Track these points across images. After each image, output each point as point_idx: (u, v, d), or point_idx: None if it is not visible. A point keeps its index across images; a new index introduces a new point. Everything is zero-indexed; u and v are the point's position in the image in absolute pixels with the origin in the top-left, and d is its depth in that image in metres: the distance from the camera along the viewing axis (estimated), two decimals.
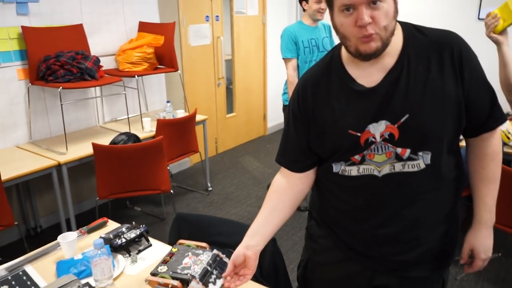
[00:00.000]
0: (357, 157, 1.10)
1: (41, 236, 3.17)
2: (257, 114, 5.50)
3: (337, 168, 1.15)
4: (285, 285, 1.48)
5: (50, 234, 3.14)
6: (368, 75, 1.08)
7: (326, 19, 4.21)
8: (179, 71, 3.55)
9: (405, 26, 1.10)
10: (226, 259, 1.41)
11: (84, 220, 3.35)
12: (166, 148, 2.81)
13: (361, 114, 1.08)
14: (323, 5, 3.03)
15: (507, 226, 2.28)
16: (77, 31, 3.12)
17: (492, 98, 1.12)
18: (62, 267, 1.47)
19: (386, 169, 1.09)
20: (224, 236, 1.55)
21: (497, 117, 1.14)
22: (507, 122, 2.85)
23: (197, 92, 4.46)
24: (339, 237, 1.25)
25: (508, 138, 2.77)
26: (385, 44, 1.02)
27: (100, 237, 1.63)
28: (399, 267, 1.20)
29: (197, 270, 1.33)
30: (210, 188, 3.90)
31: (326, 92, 1.13)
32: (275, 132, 5.80)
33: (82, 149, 2.86)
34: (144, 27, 3.57)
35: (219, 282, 1.33)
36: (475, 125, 1.13)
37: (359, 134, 1.08)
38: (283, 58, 3.15)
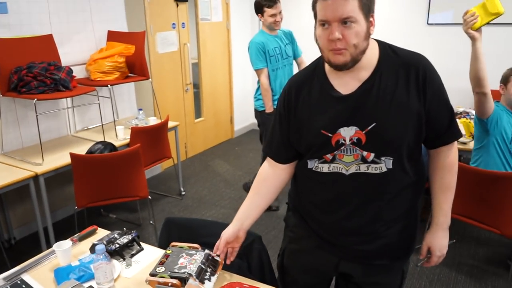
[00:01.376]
0: (329, 156, 1.27)
1: (16, 247, 3.15)
2: (224, 117, 5.63)
3: (312, 164, 1.33)
4: (271, 277, 1.63)
5: (25, 245, 3.13)
6: (345, 84, 1.24)
7: (288, 26, 4.40)
8: (150, 80, 3.62)
9: (382, 45, 1.26)
10: (217, 258, 1.54)
11: (61, 229, 3.37)
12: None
13: (334, 118, 1.24)
14: (278, 17, 3.21)
15: (460, 214, 2.54)
16: (47, 41, 3.12)
17: (450, 116, 1.28)
18: (61, 274, 1.55)
19: (352, 169, 1.26)
20: (213, 237, 1.67)
21: (453, 133, 1.30)
22: (457, 120, 3.15)
23: (166, 98, 4.53)
24: (311, 227, 1.42)
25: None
26: (355, 60, 1.18)
27: (93, 243, 1.71)
28: (362, 255, 1.37)
29: (193, 268, 1.45)
30: (183, 193, 4.00)
31: (308, 95, 1.30)
32: (243, 134, 5.95)
33: (58, 159, 2.88)
34: (113, 36, 3.61)
35: (213, 278, 1.46)
36: (434, 138, 1.29)
37: (330, 135, 1.25)
38: (255, 70, 3.27)
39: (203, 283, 1.42)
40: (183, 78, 4.75)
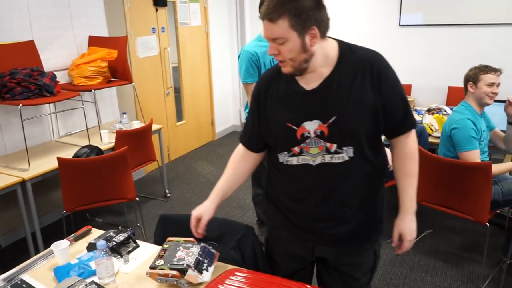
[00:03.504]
0: (297, 149, 1.39)
1: (3, 254, 3.13)
2: (205, 120, 5.69)
3: (282, 158, 1.44)
4: (264, 265, 1.71)
5: (13, 251, 3.12)
6: (308, 80, 1.35)
7: None
8: (133, 84, 3.66)
9: (342, 45, 1.37)
10: (212, 250, 1.61)
11: (49, 234, 3.36)
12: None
13: (298, 111, 1.36)
14: None
15: (436, 204, 2.70)
16: (29, 47, 3.13)
17: (405, 107, 1.38)
18: (61, 272, 1.59)
19: (318, 160, 1.37)
20: (206, 231, 1.75)
21: (409, 123, 1.41)
22: (430, 116, 3.33)
23: (147, 102, 4.56)
24: (286, 216, 1.54)
25: (432, 130, 3.24)
26: (298, 69, 1.30)
27: (90, 242, 1.76)
28: (333, 239, 1.48)
29: (190, 260, 1.52)
30: (168, 195, 4.04)
31: (276, 91, 1.42)
32: (224, 136, 6.02)
33: (44, 164, 2.89)
34: (94, 41, 3.63)
35: (211, 269, 1.53)
36: (392, 128, 1.41)
37: (295, 127, 1.36)
38: (243, 83, 2.72)
39: (201, 273, 1.49)
40: (164, 81, 4.79)
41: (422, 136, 3.05)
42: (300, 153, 1.39)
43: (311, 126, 1.34)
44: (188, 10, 5.02)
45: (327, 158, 1.36)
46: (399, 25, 4.88)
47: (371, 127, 1.34)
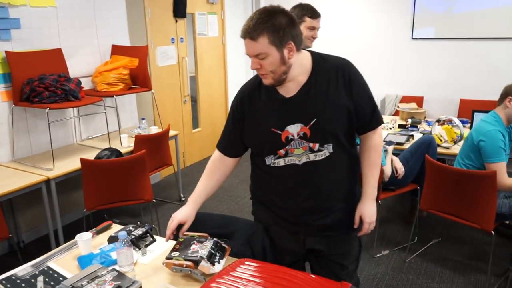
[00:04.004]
0: (282, 151, 1.53)
1: (26, 250, 3.29)
2: (220, 128, 5.78)
3: (269, 161, 1.58)
4: (272, 260, 1.81)
5: (35, 247, 3.28)
6: (287, 89, 1.51)
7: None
8: (152, 91, 3.83)
9: (314, 54, 1.55)
10: (224, 245, 1.72)
11: (69, 233, 3.51)
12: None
13: (281, 117, 1.50)
14: (316, 33, 2.59)
15: (442, 212, 2.76)
16: (57, 54, 3.32)
17: (373, 107, 1.57)
18: (84, 260, 1.72)
19: (304, 159, 1.52)
20: (218, 228, 1.86)
21: (377, 120, 1.60)
22: (439, 127, 3.40)
23: (165, 109, 4.73)
24: (276, 213, 1.67)
25: (441, 140, 3.30)
26: (279, 80, 1.45)
27: (111, 235, 1.89)
28: (322, 229, 1.63)
29: (204, 253, 1.63)
30: (183, 198, 4.17)
31: (258, 100, 1.58)
32: None
33: (67, 165, 3.05)
34: (117, 50, 3.82)
35: (222, 261, 1.64)
36: (361, 125, 1.59)
37: (280, 132, 1.52)
38: None
39: (213, 265, 1.60)
40: (181, 90, 4.96)
41: (431, 146, 3.11)
42: (286, 155, 1.54)
43: (294, 129, 1.50)
44: (206, 22, 5.21)
45: (311, 157, 1.52)
46: (412, 38, 4.97)
47: (346, 125, 1.53)
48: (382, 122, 1.63)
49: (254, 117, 1.57)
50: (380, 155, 1.66)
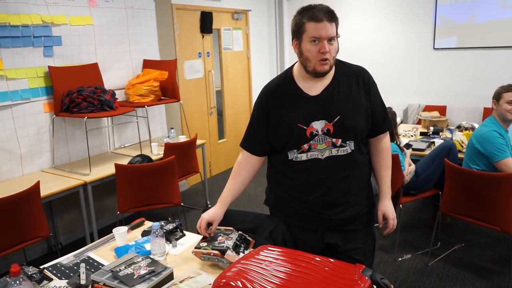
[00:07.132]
0: (306, 146, 1.62)
1: (64, 252, 3.49)
2: None
3: (291, 155, 1.67)
4: None
5: (72, 249, 3.47)
6: (312, 88, 1.63)
7: None
8: (180, 101, 4.04)
9: (336, 60, 1.68)
10: (248, 238, 1.85)
11: (103, 236, 3.71)
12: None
13: (307, 114, 1.61)
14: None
15: (463, 215, 2.79)
16: (93, 69, 3.58)
17: (385, 111, 1.74)
18: (121, 250, 1.88)
19: (326, 154, 1.63)
20: (243, 223, 1.99)
21: (388, 124, 1.75)
22: (460, 133, 3.45)
23: (192, 120, 4.94)
24: (294, 210, 1.74)
25: (462, 146, 3.35)
26: (331, 68, 1.59)
27: (144, 230, 2.05)
28: (340, 223, 1.71)
29: (230, 243, 1.76)
30: (209, 205, 4.32)
31: (283, 98, 1.66)
32: None
33: (102, 170, 3.27)
34: (148, 63, 4.07)
35: (247, 252, 1.77)
36: (375, 127, 1.71)
37: (305, 127, 1.61)
38: None
39: (238, 254, 1.73)
40: (208, 102, 5.17)
41: (452, 151, 3.16)
42: (309, 149, 1.64)
43: (319, 125, 1.62)
44: (231, 37, 5.43)
45: (334, 152, 1.63)
46: (433, 48, 5.03)
47: (365, 125, 1.65)
48: (392, 127, 1.78)
49: (279, 113, 1.66)
50: (390, 156, 1.79)
